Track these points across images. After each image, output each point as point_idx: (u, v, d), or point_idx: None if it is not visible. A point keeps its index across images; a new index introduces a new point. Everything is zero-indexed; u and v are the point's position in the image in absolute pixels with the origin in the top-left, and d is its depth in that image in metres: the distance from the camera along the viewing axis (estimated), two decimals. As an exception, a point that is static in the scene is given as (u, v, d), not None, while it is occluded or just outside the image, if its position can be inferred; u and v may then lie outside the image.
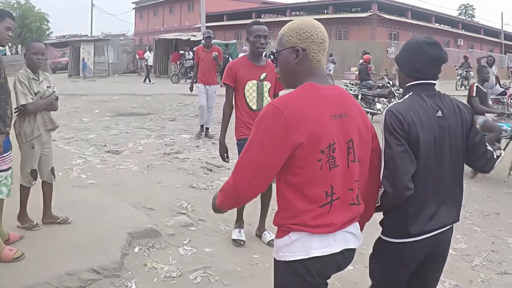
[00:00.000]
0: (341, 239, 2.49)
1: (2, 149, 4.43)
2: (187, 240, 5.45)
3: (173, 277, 4.60)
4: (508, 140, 9.08)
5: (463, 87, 27.84)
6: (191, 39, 33.97)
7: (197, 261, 4.94)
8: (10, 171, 4.66)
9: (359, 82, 17.67)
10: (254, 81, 5.21)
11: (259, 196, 4.77)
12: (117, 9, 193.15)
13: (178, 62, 31.97)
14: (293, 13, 51.59)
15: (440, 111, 2.81)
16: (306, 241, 2.41)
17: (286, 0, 59.01)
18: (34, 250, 4.76)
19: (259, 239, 5.58)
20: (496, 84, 13.68)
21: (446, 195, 2.87)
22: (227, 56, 21.95)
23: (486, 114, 9.23)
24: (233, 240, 5.42)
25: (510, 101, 15.59)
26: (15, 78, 5.04)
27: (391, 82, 16.44)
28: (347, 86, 15.88)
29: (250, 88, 5.20)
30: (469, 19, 70.04)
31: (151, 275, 4.64)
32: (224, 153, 5.39)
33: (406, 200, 2.73)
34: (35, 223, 5.35)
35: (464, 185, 3.04)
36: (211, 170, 8.18)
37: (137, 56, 37.94)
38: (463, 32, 51.55)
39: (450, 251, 3.30)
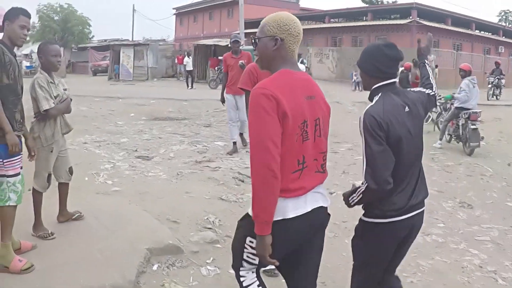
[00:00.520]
0: (311, 200, 2.88)
1: (18, 147, 4.25)
2: (211, 259, 5.05)
3: (192, 301, 4.19)
4: None
5: (494, 97, 25.76)
6: (229, 45, 33.67)
7: (220, 284, 4.56)
8: (19, 177, 4.37)
9: None
10: None
11: None
12: (158, 14, 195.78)
13: (216, 68, 31.76)
14: (332, 20, 50.98)
15: (407, 107, 3.21)
16: (282, 206, 2.74)
17: (325, 7, 58.52)
18: (45, 262, 4.47)
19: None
20: None
21: (416, 175, 3.30)
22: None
23: None
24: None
25: None
26: (34, 82, 4.95)
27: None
28: None
29: None
30: (510, 25, 67.96)
31: (168, 297, 4.25)
32: None
33: (394, 184, 3.08)
34: (49, 232, 5.09)
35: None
36: (243, 181, 7.77)
37: (176, 61, 38.00)
38: (504, 39, 49.96)
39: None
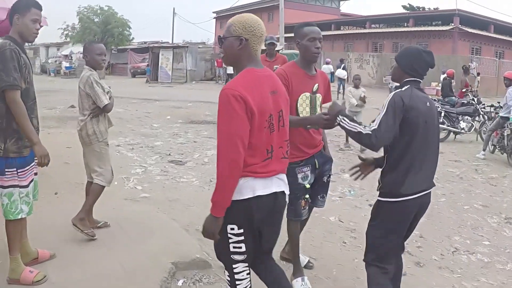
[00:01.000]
0: (275, 184, 3.15)
1: (47, 158, 4.01)
2: (241, 275, 4.67)
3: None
4: None
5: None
6: (265, 47, 33.43)
7: (249, 303, 4.17)
8: (30, 187, 4.09)
9: (442, 98, 16.31)
10: (308, 94, 4.32)
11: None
12: (198, 17, 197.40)
13: (255, 72, 31.51)
14: (372, 25, 50.14)
15: (428, 103, 3.66)
16: (251, 184, 3.01)
17: (366, 12, 57.74)
18: (62, 274, 4.23)
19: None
20: None
21: (429, 164, 3.70)
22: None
23: None
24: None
25: None
26: (89, 79, 5.01)
27: (475, 99, 14.87)
28: None
29: (304, 102, 4.30)
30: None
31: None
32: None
33: (401, 167, 3.57)
34: (94, 230, 5.16)
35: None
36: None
37: (215, 64, 37.87)
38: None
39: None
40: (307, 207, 4.51)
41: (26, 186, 4.01)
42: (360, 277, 4.52)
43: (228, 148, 2.89)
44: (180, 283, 4.35)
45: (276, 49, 9.35)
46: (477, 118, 14.15)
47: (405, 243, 4.00)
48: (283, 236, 4.83)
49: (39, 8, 4.06)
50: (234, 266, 3.21)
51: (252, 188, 3.03)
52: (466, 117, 13.98)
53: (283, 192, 3.23)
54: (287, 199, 3.33)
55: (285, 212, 3.49)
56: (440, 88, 19.76)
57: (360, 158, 4.00)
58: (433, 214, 6.65)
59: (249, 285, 3.27)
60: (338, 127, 3.72)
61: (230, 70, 30.28)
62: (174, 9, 60.20)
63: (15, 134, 3.87)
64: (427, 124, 3.57)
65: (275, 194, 3.15)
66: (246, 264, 3.25)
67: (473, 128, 14.03)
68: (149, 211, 6.07)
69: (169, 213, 6.08)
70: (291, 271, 4.48)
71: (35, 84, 4.28)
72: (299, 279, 4.48)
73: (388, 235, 3.72)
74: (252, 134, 2.97)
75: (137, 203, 6.38)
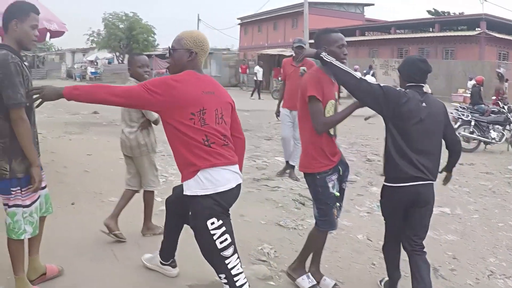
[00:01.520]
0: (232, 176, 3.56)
1: (41, 183, 3.87)
2: (262, 299, 4.44)
3: None
4: None
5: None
6: (292, 50, 33.26)
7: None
8: (33, 206, 3.89)
9: (470, 106, 15.67)
10: (333, 101, 4.23)
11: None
12: (222, 24, 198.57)
13: (279, 78, 31.26)
14: (398, 31, 49.51)
15: (424, 103, 4.05)
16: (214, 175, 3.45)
17: (390, 18, 57.15)
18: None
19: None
20: None
21: (427, 157, 4.03)
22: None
23: None
24: None
25: None
26: None
27: (506, 107, 14.33)
28: (458, 110, 14.24)
29: (330, 109, 4.18)
30: None
31: None
32: None
33: (400, 156, 3.99)
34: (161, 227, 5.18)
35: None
36: (303, 204, 7.10)
37: (240, 70, 37.76)
38: None
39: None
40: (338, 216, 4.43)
41: (29, 206, 3.82)
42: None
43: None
44: (198, 307, 4.14)
45: None
46: (507, 127, 13.73)
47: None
48: (290, 249, 4.71)
49: (38, 12, 3.83)
50: (227, 262, 3.46)
51: (219, 180, 3.46)
52: (497, 126, 13.56)
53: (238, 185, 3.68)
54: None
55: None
56: (468, 95, 19.25)
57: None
58: (466, 232, 6.36)
59: (245, 278, 3.52)
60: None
61: (259, 76, 30.12)
62: (198, 15, 60.21)
63: (20, 153, 3.69)
64: (422, 120, 3.99)
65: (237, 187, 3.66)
66: (237, 256, 3.52)
67: (504, 138, 13.61)
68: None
69: (187, 229, 5.84)
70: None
71: None
72: (305, 276, 4.51)
73: (386, 219, 4.34)
74: (184, 125, 3.38)
75: (156, 216, 6.14)
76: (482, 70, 30.12)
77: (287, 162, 8.96)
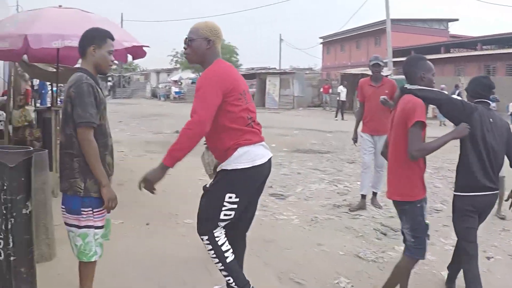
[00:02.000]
0: (265, 150, 4.00)
1: (115, 202, 3.84)
2: None
3: None
4: None
5: None
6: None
7: None
8: (103, 228, 3.91)
9: None
10: None
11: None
12: (305, 43, 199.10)
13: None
14: (484, 46, 47.34)
15: (491, 119, 4.32)
16: (250, 152, 3.84)
17: (476, 33, 54.98)
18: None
19: None
20: None
21: (494, 169, 4.27)
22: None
23: None
24: None
25: None
26: None
27: None
28: None
29: None
30: None
31: None
32: None
33: (472, 167, 4.22)
34: None
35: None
36: (385, 235, 6.67)
37: (322, 90, 37.47)
38: None
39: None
40: None
41: (101, 227, 3.84)
42: None
43: (198, 117, 3.68)
44: None
45: (384, 74, 8.41)
46: None
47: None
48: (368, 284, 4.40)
49: (113, 38, 4.00)
50: (214, 231, 3.87)
51: (252, 157, 3.84)
52: None
53: (269, 158, 4.02)
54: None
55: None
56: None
57: None
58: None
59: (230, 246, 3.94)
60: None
61: (342, 97, 29.70)
62: (280, 35, 60.58)
63: None
64: (488, 134, 4.22)
65: (269, 161, 4.01)
66: (223, 227, 3.93)
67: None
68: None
69: (262, 255, 5.65)
70: None
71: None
72: None
73: (462, 233, 4.43)
74: (231, 104, 3.81)
75: (231, 242, 5.98)
76: None
77: (363, 196, 8.04)
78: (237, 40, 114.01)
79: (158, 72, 67.53)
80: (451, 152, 14.58)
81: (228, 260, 3.90)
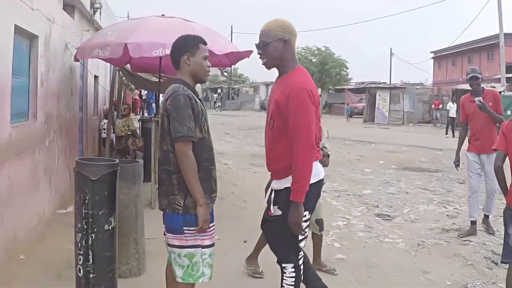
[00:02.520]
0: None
1: (207, 224, 3.53)
2: None
3: None
4: None
5: None
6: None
7: None
8: (213, 247, 3.69)
9: None
10: None
11: None
12: (415, 58, 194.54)
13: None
14: None
15: None
16: (317, 167, 3.59)
17: None
18: None
19: None
20: None
21: None
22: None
23: None
24: None
25: None
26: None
27: None
28: None
29: None
30: None
31: None
32: None
33: None
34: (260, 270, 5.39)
35: None
36: (496, 264, 6.09)
37: (433, 106, 36.23)
38: None
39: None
40: None
41: (209, 246, 3.62)
42: None
43: (308, 138, 3.36)
44: None
45: (499, 90, 7.77)
46: None
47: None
48: None
49: (205, 43, 3.75)
50: (299, 256, 3.69)
51: (318, 171, 3.60)
52: None
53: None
54: None
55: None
56: None
57: None
58: None
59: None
60: None
61: (452, 113, 28.50)
62: (391, 49, 59.23)
63: None
64: None
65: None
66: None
67: None
68: (341, 278, 5.43)
69: (364, 283, 5.36)
70: None
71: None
72: None
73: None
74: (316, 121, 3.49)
75: (331, 264, 5.74)
76: None
77: (472, 222, 7.35)
78: (347, 53, 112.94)
79: (267, 84, 68.07)
80: None
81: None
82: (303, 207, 3.41)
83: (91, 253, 3.77)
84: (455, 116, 28.55)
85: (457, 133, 27.09)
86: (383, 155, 17.14)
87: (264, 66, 3.72)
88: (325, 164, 4.68)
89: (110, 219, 3.81)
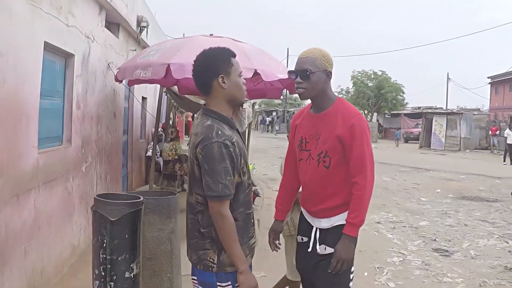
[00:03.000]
0: None
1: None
2: None
3: None
4: None
5: None
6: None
7: None
8: None
9: None
10: None
11: None
12: (472, 83, 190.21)
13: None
14: None
15: None
16: None
17: None
18: None
19: None
20: None
21: None
22: None
23: None
24: None
25: None
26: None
27: None
28: None
29: None
30: None
31: None
32: None
33: None
34: None
35: None
36: None
37: (490, 132, 35.00)
38: None
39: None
40: None
41: None
42: None
43: (372, 169, 3.21)
44: None
45: None
46: None
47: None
48: None
49: (235, 55, 2.99)
50: None
51: None
52: None
53: None
54: None
55: None
56: None
57: None
58: None
59: None
60: None
61: (510, 140, 27.37)
62: (448, 74, 57.64)
63: None
64: None
65: None
66: None
67: None
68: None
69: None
70: None
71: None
72: None
73: None
74: None
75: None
76: None
77: None
78: (403, 78, 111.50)
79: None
80: None
81: None
82: (354, 244, 3.22)
83: (109, 304, 3.30)
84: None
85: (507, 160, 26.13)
86: (440, 183, 16.49)
87: (299, 95, 3.41)
88: None
89: (132, 265, 3.40)
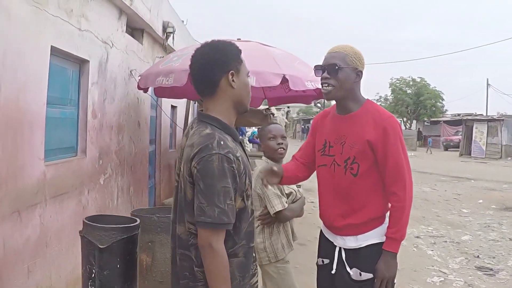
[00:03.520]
0: None
1: None
2: None
3: None
4: None
5: None
6: None
7: None
8: None
9: None
10: None
11: None
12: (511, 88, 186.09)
13: None
14: None
15: None
16: None
17: None
18: None
19: None
20: None
21: None
22: None
23: None
24: None
25: None
26: (259, 175, 3.53)
27: None
28: None
29: None
30: None
31: None
32: None
33: None
34: None
35: None
36: None
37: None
38: None
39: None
40: None
41: None
42: None
43: (410, 178, 2.86)
44: None
45: None
46: None
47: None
48: None
49: (240, 51, 2.38)
50: None
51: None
52: None
53: None
54: None
55: None
56: None
57: None
58: None
59: None
60: None
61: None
62: (487, 79, 55.98)
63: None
64: None
65: None
66: None
67: None
68: None
69: None
70: None
71: None
72: None
73: None
74: None
75: None
76: None
77: None
78: (442, 84, 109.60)
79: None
80: None
81: None
82: (396, 260, 2.84)
83: None
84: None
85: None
86: (482, 193, 15.66)
87: (325, 94, 2.95)
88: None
89: (125, 298, 2.80)
